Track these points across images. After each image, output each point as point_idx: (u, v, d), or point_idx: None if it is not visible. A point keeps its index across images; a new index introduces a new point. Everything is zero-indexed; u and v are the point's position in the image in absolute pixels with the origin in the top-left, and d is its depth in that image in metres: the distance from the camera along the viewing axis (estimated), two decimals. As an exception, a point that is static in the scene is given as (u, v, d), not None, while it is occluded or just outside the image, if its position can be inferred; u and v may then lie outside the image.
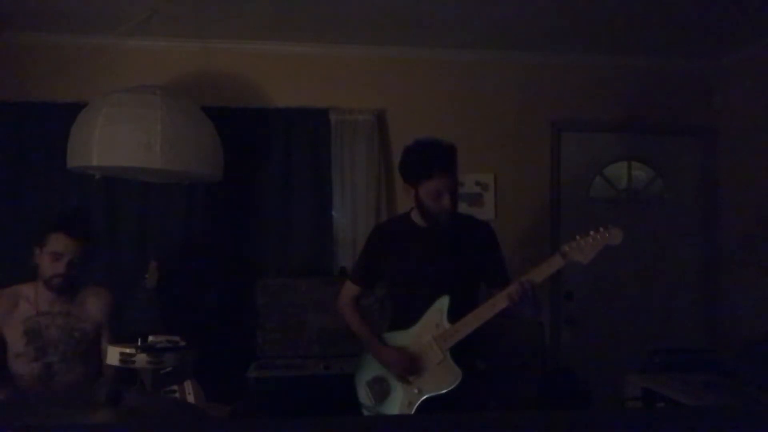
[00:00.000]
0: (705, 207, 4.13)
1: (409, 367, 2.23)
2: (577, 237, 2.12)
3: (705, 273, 4.11)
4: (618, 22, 3.45)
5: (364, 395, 2.35)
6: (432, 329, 2.22)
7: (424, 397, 2.20)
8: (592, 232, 2.10)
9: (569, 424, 1.13)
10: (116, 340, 2.30)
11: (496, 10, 3.30)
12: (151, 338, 1.91)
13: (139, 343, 1.88)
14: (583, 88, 4.03)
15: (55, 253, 2.36)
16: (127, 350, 1.83)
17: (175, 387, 2.38)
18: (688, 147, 4.17)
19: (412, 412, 2.19)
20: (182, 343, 1.93)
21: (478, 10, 3.30)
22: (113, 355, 1.85)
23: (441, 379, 2.18)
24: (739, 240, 3.90)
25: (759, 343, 3.12)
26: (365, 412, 2.33)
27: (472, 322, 2.16)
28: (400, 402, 2.24)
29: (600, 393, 3.48)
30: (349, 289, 2.47)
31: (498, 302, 2.13)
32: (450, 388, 2.16)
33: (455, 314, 2.20)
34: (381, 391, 2.30)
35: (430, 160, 2.19)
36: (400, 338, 2.30)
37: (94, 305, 2.49)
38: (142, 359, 1.82)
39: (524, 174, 3.97)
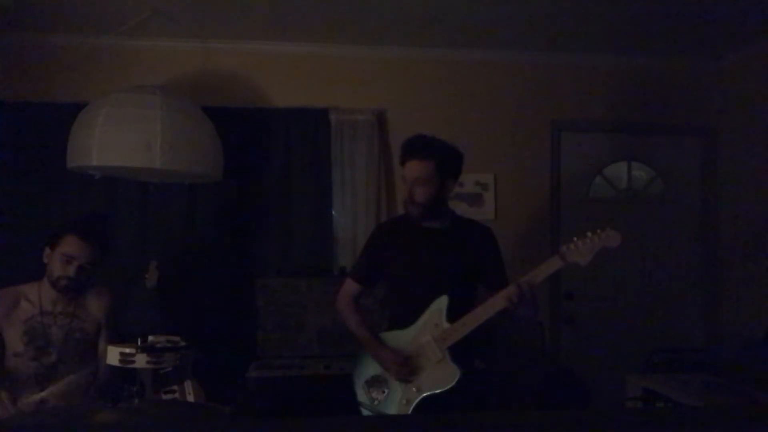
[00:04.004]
0: (705, 207, 4.13)
1: (406, 367, 2.24)
2: (575, 238, 2.14)
3: (705, 273, 4.12)
4: (618, 22, 3.45)
5: (362, 394, 2.35)
6: (431, 329, 2.23)
7: (422, 396, 2.20)
8: (590, 234, 2.12)
9: (569, 424, 1.13)
10: (115, 340, 2.30)
11: (496, 10, 3.30)
12: (151, 338, 1.91)
13: (139, 343, 1.87)
14: (583, 88, 4.03)
15: (66, 255, 2.36)
16: (127, 350, 1.83)
17: (175, 387, 2.37)
18: (688, 147, 4.17)
19: (410, 410, 2.20)
20: (182, 343, 1.93)
21: (478, 10, 3.29)
22: (113, 354, 1.85)
23: (440, 377, 2.19)
24: (738, 240, 3.91)
25: (759, 343, 3.13)
26: (364, 411, 2.34)
27: (470, 322, 2.17)
28: (398, 401, 2.25)
29: (600, 393, 3.49)
30: (350, 286, 2.47)
31: (496, 303, 2.15)
32: (448, 387, 2.16)
33: (453, 314, 2.21)
34: (379, 390, 2.30)
35: (404, 147, 2.32)
36: (399, 338, 2.31)
37: (95, 305, 2.48)
38: (142, 359, 1.82)
39: (524, 174, 3.97)
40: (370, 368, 2.35)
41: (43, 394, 2.32)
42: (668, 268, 4.09)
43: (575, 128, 4.07)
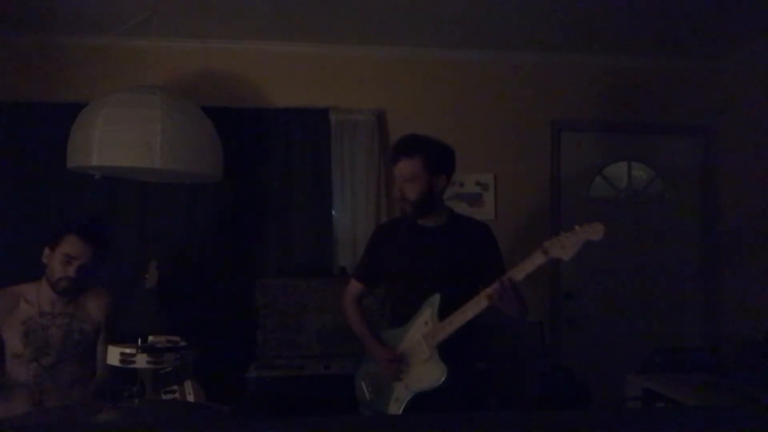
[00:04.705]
0: (705, 207, 4.13)
1: (396, 363, 2.25)
2: (561, 232, 2.09)
3: (705, 273, 4.11)
4: (618, 22, 3.45)
5: (360, 391, 2.39)
6: (422, 327, 2.24)
7: (412, 394, 2.21)
8: (576, 227, 2.07)
9: (569, 424, 1.13)
10: (114, 341, 2.30)
11: (496, 10, 3.30)
12: (151, 338, 1.91)
13: (139, 343, 1.88)
14: (583, 88, 4.03)
15: (67, 255, 2.36)
16: (127, 350, 1.83)
17: (175, 387, 2.37)
18: (688, 147, 4.17)
19: (401, 408, 2.21)
20: (182, 343, 1.93)
21: (478, 10, 3.30)
22: (113, 355, 1.85)
23: (427, 376, 2.19)
24: (738, 240, 3.91)
25: (759, 343, 3.13)
26: (360, 408, 2.38)
27: (457, 320, 2.16)
28: (390, 398, 2.26)
29: (600, 393, 3.48)
30: (353, 286, 2.51)
31: (480, 301, 2.13)
32: (435, 385, 2.16)
33: (450, 313, 2.20)
34: (374, 387, 2.33)
35: (393, 146, 2.35)
36: (395, 336, 2.33)
37: (94, 306, 2.48)
38: (142, 359, 1.82)
39: (524, 174, 3.97)
40: (370, 366, 2.37)
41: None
42: (668, 268, 4.09)
43: (575, 128, 4.07)
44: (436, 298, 2.22)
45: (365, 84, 3.88)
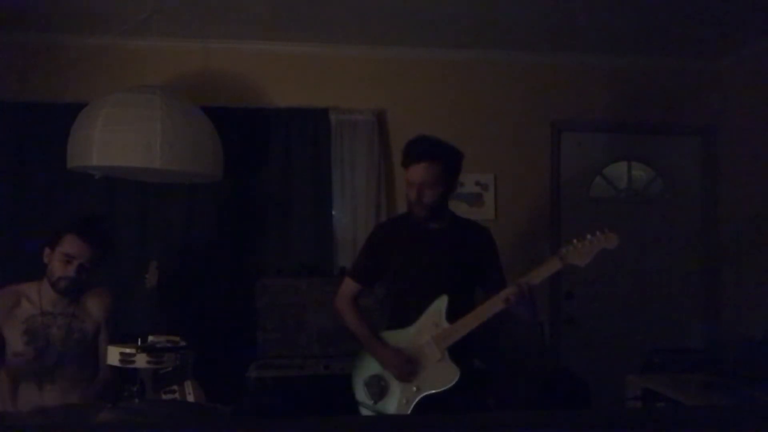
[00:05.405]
0: (705, 207, 4.13)
1: (407, 366, 2.24)
2: (575, 240, 2.17)
3: (705, 273, 4.11)
4: (618, 22, 3.45)
5: (361, 393, 2.36)
6: (431, 328, 2.24)
7: (422, 395, 2.21)
8: (589, 236, 2.16)
9: (569, 424, 1.13)
10: (113, 340, 2.30)
11: (495, 10, 3.30)
12: (151, 338, 1.91)
13: (139, 343, 1.88)
14: (583, 88, 4.03)
15: (67, 254, 2.36)
16: (127, 350, 1.83)
17: (175, 387, 2.37)
18: (688, 147, 4.17)
19: (410, 409, 2.21)
20: (182, 343, 1.93)
21: (477, 9, 3.30)
22: (113, 354, 1.85)
23: (439, 377, 2.20)
24: (738, 240, 3.90)
25: (759, 343, 3.13)
26: (363, 410, 2.35)
27: (470, 322, 2.19)
28: (397, 400, 2.26)
29: (600, 393, 3.48)
30: (349, 286, 2.48)
31: (496, 303, 2.16)
32: (448, 387, 2.17)
33: (452, 314, 2.22)
34: (379, 389, 2.31)
35: (409, 149, 2.30)
36: (399, 337, 2.32)
37: (94, 305, 2.48)
38: (142, 359, 1.82)
39: (524, 174, 3.97)
40: (370, 367, 2.35)
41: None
42: (668, 268, 4.09)
43: (575, 128, 4.07)
44: (443, 300, 2.23)
45: (365, 84, 3.88)
